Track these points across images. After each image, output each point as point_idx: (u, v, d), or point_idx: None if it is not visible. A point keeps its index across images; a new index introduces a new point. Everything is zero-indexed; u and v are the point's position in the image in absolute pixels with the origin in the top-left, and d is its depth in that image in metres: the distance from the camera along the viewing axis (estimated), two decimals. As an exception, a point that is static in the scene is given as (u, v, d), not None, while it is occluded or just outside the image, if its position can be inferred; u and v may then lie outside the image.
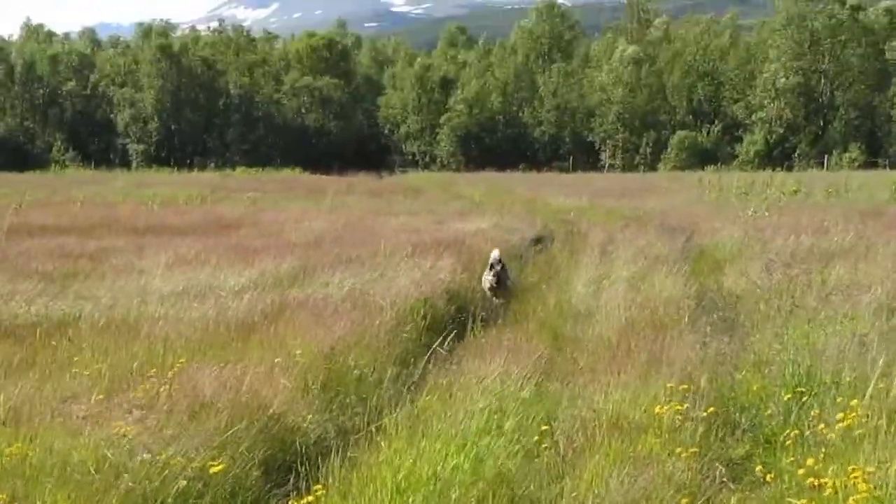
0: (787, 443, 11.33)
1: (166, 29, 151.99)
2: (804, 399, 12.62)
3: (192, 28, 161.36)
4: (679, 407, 11.90)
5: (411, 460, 9.92)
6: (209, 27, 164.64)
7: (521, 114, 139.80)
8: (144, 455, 9.92)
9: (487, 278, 20.31)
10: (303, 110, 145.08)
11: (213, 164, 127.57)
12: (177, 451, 10.26)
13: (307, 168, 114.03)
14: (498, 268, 21.33)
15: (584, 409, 12.42)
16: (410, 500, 8.93)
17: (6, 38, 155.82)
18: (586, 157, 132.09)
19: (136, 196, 63.27)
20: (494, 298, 19.52)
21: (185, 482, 9.85)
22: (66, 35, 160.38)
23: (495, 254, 22.28)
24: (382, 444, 10.97)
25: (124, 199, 59.77)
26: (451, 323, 19.07)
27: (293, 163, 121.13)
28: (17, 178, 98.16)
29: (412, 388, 14.03)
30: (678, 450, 10.69)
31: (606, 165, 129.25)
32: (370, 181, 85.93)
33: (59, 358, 14.42)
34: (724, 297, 21.89)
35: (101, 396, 12.01)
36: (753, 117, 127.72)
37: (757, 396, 13.30)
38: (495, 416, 11.40)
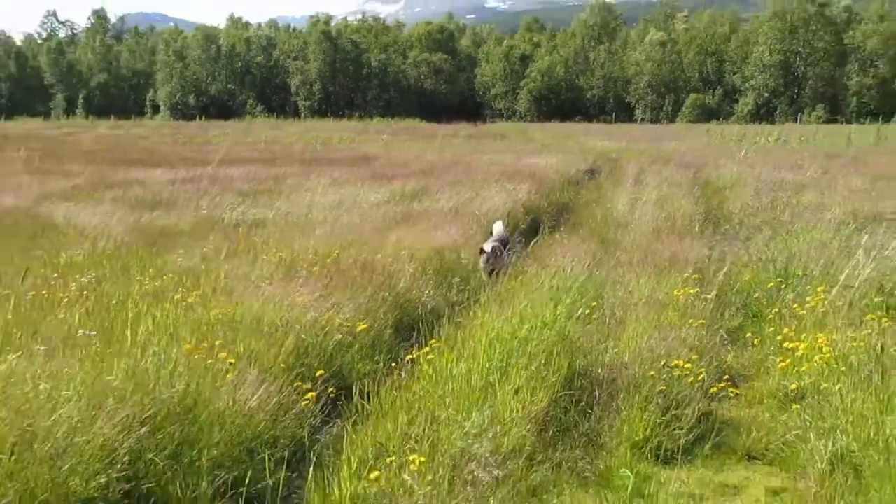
0: (770, 317, 11.33)
1: (327, 19, 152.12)
2: (783, 286, 12.61)
3: (345, 18, 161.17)
4: (692, 291, 11.89)
5: (498, 324, 9.95)
6: (356, 17, 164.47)
7: (577, 81, 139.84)
8: (311, 314, 10.04)
9: (482, 265, 14.36)
10: (421, 77, 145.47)
11: (357, 115, 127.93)
12: (334, 315, 10.35)
13: (424, 119, 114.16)
14: (488, 252, 14.40)
15: (623, 291, 12.43)
16: (497, 350, 8.94)
17: (217, 27, 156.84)
18: (624, 113, 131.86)
19: (303, 137, 63.66)
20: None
21: (339, 336, 9.95)
22: (259, 25, 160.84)
23: (497, 227, 15.98)
24: (478, 313, 10.99)
25: (296, 140, 60.15)
26: (527, 229, 19.02)
27: (414, 115, 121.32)
28: (224, 124, 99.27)
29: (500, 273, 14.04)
30: (691, 321, 10.67)
31: (639, 119, 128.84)
32: (468, 128, 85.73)
33: (253, 249, 14.54)
34: (725, 213, 21.72)
35: (281, 276, 12.14)
36: (746, 85, 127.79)
37: (748, 284, 13.27)
38: (558, 294, 11.40)
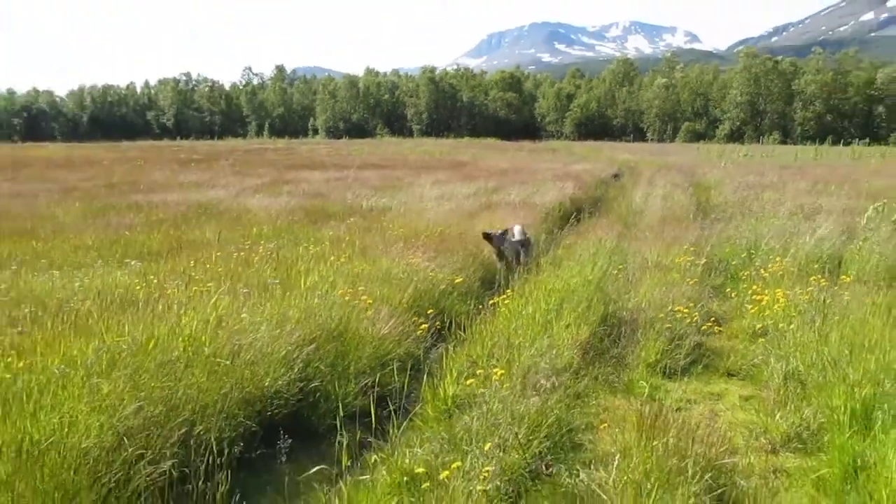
0: (743, 278, 11.22)
1: (432, 69, 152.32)
2: (752, 256, 12.41)
3: (445, 68, 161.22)
4: (689, 258, 11.67)
5: (553, 278, 9.87)
6: (453, 67, 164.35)
7: (606, 112, 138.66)
8: (424, 271, 10.03)
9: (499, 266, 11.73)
10: (497, 109, 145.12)
11: (453, 135, 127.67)
12: (439, 271, 10.34)
13: (499, 138, 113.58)
14: (496, 236, 11.76)
15: (640, 258, 12.22)
16: (554, 297, 8.87)
17: (357, 75, 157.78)
18: (639, 135, 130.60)
19: (415, 151, 63.71)
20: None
21: (443, 286, 9.94)
22: (385, 73, 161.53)
23: (516, 229, 12.70)
24: (539, 272, 10.91)
25: (409, 152, 60.22)
26: (572, 215, 18.84)
27: (492, 135, 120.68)
28: (360, 142, 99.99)
29: (554, 244, 13.89)
30: (688, 279, 10.48)
31: (649, 139, 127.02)
32: (530, 145, 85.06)
33: (382, 226, 14.58)
34: (711, 205, 21.26)
35: (401, 244, 12.14)
36: (724, 116, 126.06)
37: (728, 255, 13.01)
38: (595, 258, 11.27)
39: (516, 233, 12.38)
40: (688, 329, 8.47)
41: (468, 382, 6.40)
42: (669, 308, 8.85)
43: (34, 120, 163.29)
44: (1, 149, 75.09)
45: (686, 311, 8.72)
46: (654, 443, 5.13)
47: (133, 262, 10.95)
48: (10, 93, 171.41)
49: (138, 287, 8.62)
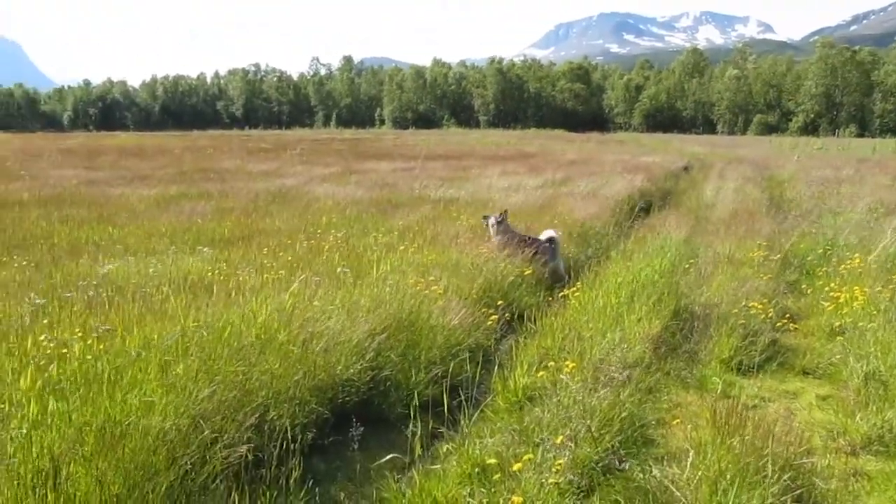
0: (820, 274, 10.88)
1: (500, 60, 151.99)
2: (829, 252, 12.10)
3: (512, 59, 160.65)
4: (763, 253, 11.45)
5: (624, 271, 9.76)
6: (520, 58, 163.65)
7: (675, 104, 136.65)
8: (496, 263, 10.00)
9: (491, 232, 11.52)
10: (565, 100, 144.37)
11: (520, 126, 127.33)
12: (508, 262, 10.30)
13: (566, 129, 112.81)
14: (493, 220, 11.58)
15: (712, 252, 12.01)
16: (624, 290, 8.79)
17: (424, 66, 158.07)
18: (708, 127, 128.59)
19: (482, 142, 63.66)
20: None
21: (511, 278, 9.89)
22: (451, 64, 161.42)
23: (548, 233, 11.66)
24: (609, 264, 10.81)
25: (476, 143, 60.19)
26: (641, 207, 18.61)
27: (559, 126, 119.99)
28: (427, 132, 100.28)
29: (624, 237, 13.76)
30: (761, 275, 10.29)
31: (719, 132, 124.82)
32: (597, 136, 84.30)
33: (450, 217, 14.60)
34: (785, 200, 20.83)
35: (469, 235, 12.13)
36: (798, 108, 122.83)
37: (804, 251, 12.71)
38: (665, 251, 11.13)
39: (544, 236, 11.59)
40: (762, 325, 8.29)
41: (539, 374, 6.37)
42: (743, 303, 8.68)
43: (108, 110, 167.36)
44: (77, 138, 77.13)
45: (760, 306, 8.54)
46: (730, 440, 5.03)
47: (205, 249, 11.15)
48: (87, 83, 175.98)
49: (210, 274, 8.76)
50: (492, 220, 11.63)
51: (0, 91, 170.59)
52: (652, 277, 9.39)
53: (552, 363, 6.51)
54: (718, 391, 6.83)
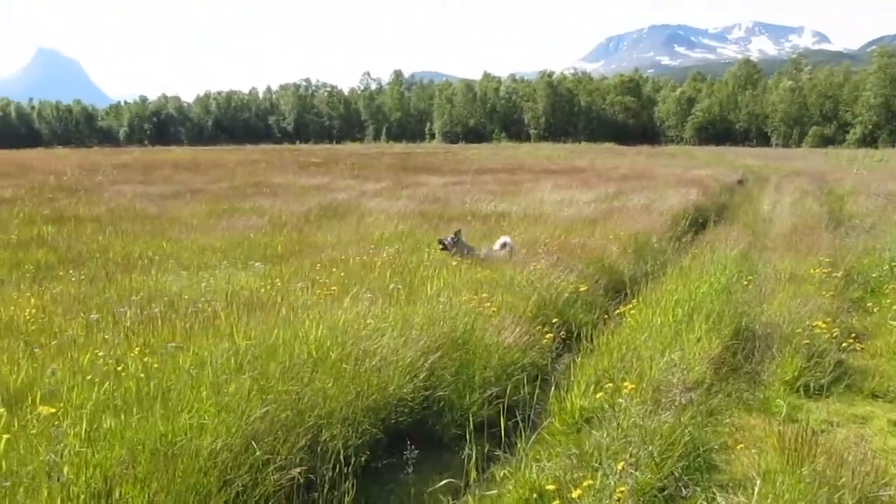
0: (887, 291, 10.51)
1: (550, 73, 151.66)
2: (895, 269, 11.66)
3: (562, 72, 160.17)
4: (824, 270, 11.12)
5: (681, 288, 9.54)
6: (570, 71, 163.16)
7: (728, 116, 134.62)
8: (549, 279, 9.83)
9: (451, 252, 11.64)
10: (615, 113, 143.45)
11: (570, 140, 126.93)
12: (562, 279, 10.12)
13: (617, 142, 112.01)
14: (446, 242, 11.87)
15: (771, 268, 11.72)
16: (681, 308, 8.57)
17: (474, 80, 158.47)
18: (762, 139, 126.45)
19: (532, 155, 63.53)
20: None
21: (566, 295, 9.72)
22: (501, 78, 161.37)
23: (505, 239, 12.22)
24: (666, 281, 10.59)
25: (527, 157, 60.01)
26: (697, 222, 18.29)
27: (610, 139, 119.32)
28: (477, 146, 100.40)
29: (680, 252, 13.50)
30: (824, 292, 9.97)
31: (773, 144, 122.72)
32: (648, 149, 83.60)
33: (504, 232, 14.47)
34: (846, 214, 20.32)
35: (524, 251, 11.99)
36: (855, 120, 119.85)
37: (867, 267, 12.31)
38: (723, 268, 10.85)
39: (497, 245, 12.08)
40: (827, 345, 8.01)
41: (598, 396, 6.19)
42: (806, 322, 8.41)
43: (163, 125, 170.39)
44: (132, 153, 78.53)
45: (824, 325, 8.25)
46: (800, 469, 4.82)
47: (257, 264, 11.16)
48: (142, 99, 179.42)
49: (263, 290, 8.74)
50: (448, 241, 11.87)
51: (60, 108, 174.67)
52: (710, 295, 9.15)
53: (610, 384, 6.34)
54: (783, 414, 6.60)
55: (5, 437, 4.51)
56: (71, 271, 10.94)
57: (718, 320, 8.20)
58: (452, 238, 11.92)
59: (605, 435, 5.55)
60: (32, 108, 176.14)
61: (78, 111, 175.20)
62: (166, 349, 5.81)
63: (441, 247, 11.96)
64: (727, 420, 6.63)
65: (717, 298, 9.04)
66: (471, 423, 5.90)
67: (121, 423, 4.89)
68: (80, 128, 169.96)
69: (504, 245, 12.01)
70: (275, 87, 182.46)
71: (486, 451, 5.66)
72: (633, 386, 6.14)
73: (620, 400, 5.94)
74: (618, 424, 5.60)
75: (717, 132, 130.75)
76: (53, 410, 4.87)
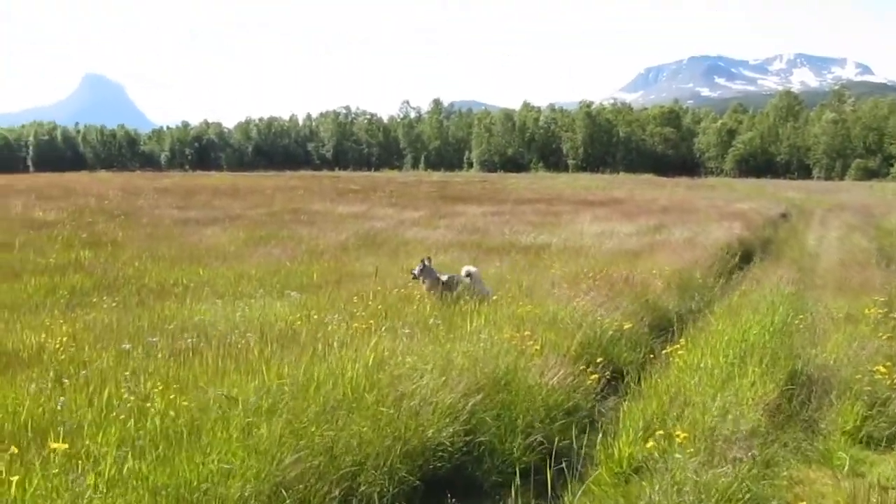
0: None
1: (589, 103, 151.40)
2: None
3: (601, 103, 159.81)
4: (880, 310, 10.62)
5: (731, 328, 9.15)
6: (609, 102, 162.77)
7: (769, 148, 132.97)
8: (593, 316, 9.48)
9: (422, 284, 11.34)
10: (654, 144, 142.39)
11: (609, 170, 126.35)
12: (605, 315, 9.78)
13: (655, 173, 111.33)
14: (415, 272, 11.55)
15: (822, 307, 11.27)
16: (731, 349, 8.19)
17: (513, 109, 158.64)
18: (804, 172, 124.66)
19: (571, 185, 63.13)
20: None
21: (610, 332, 9.36)
22: (540, 108, 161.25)
23: (467, 268, 11.75)
24: (713, 319, 10.19)
25: (565, 187, 59.63)
26: (741, 257, 17.82)
27: (649, 170, 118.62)
28: (515, 175, 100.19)
29: (727, 289, 13.10)
30: (881, 334, 9.49)
31: (815, 177, 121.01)
32: (688, 181, 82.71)
33: (544, 264, 14.16)
34: (896, 250, 19.74)
35: (565, 285, 11.63)
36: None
37: (925, 307, 11.79)
38: (773, 306, 10.43)
39: (462, 271, 11.60)
40: (890, 392, 7.56)
41: (649, 445, 5.82)
42: (866, 367, 7.97)
43: (204, 150, 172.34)
44: (173, 177, 79.38)
45: (885, 370, 7.81)
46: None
47: (293, 294, 10.96)
48: (185, 125, 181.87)
49: (298, 322, 8.50)
50: (416, 271, 11.52)
51: (104, 132, 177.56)
52: (762, 336, 8.74)
53: (660, 431, 5.98)
54: (845, 468, 6.20)
55: (15, 478, 4.28)
56: (105, 297, 10.80)
57: (772, 363, 7.80)
58: (420, 267, 11.51)
59: (656, 488, 5.20)
60: (78, 132, 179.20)
61: (121, 135, 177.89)
62: (211, 393, 5.51)
63: (412, 276, 11.57)
64: (785, 473, 6.23)
65: (770, 340, 8.62)
66: (510, 469, 5.59)
67: (145, 466, 4.65)
68: (122, 152, 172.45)
69: (468, 274, 11.47)
70: (315, 114, 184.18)
71: (529, 500, 5.32)
72: (686, 435, 5.78)
73: (672, 449, 5.59)
74: (672, 477, 5.24)
75: (758, 164, 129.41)
76: (72, 450, 4.66)
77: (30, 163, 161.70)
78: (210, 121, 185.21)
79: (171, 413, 5.28)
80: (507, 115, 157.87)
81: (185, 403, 5.38)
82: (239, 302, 10.45)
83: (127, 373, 6.18)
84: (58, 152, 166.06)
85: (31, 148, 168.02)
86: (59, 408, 5.45)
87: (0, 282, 12.31)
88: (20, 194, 36.76)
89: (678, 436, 5.71)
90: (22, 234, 19.57)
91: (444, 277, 11.37)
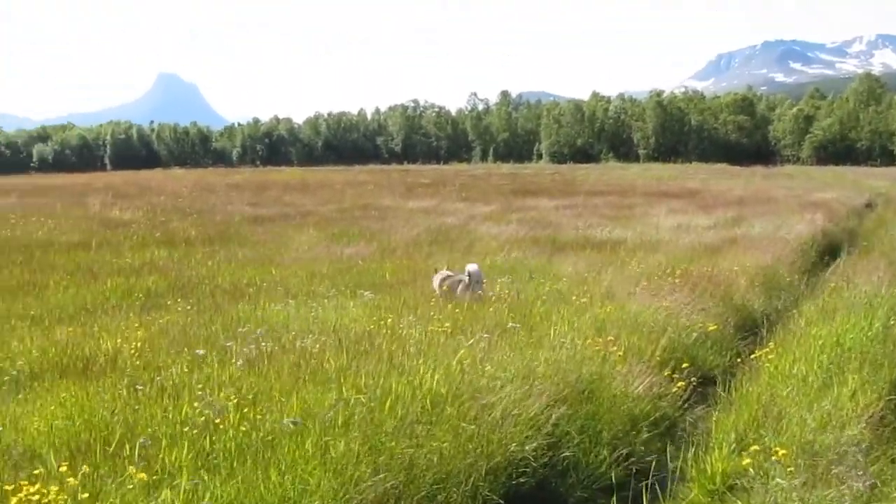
0: None
1: (660, 92, 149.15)
2: None
3: (672, 92, 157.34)
4: None
5: (824, 332, 8.69)
6: (681, 90, 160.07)
7: (849, 134, 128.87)
8: (678, 318, 9.13)
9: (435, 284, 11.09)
10: (728, 132, 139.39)
11: (681, 160, 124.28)
12: (688, 316, 9.42)
13: (729, 162, 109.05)
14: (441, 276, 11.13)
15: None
16: (826, 354, 7.75)
17: (582, 100, 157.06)
18: (887, 158, 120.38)
19: (642, 176, 62.21)
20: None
21: (695, 334, 9.01)
22: (610, 98, 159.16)
23: (471, 267, 10.99)
24: (801, 321, 9.71)
25: (636, 178, 58.74)
26: (827, 251, 17.15)
27: (722, 160, 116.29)
28: (585, 167, 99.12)
29: (815, 287, 12.56)
30: None
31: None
32: (763, 170, 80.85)
33: (620, 260, 13.79)
34: None
35: (645, 283, 11.28)
36: None
37: None
38: (869, 307, 9.90)
39: (468, 269, 10.93)
40: None
41: (745, 462, 5.46)
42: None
43: (274, 145, 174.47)
44: (244, 173, 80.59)
45: None
46: None
47: (366, 293, 10.81)
48: (256, 121, 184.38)
49: (372, 326, 8.32)
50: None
51: (177, 130, 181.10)
52: (860, 340, 8.26)
53: (755, 447, 5.64)
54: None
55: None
56: (179, 300, 10.81)
57: (873, 371, 7.34)
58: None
59: (755, 511, 4.88)
60: (152, 130, 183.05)
61: (194, 133, 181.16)
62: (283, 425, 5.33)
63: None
64: (894, 494, 5.82)
65: (870, 345, 8.13)
66: (596, 484, 5.33)
67: (219, 482, 4.52)
68: (195, 149, 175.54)
69: (468, 273, 10.86)
70: (383, 108, 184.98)
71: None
72: (785, 451, 5.43)
73: (769, 465, 5.26)
74: (774, 500, 4.91)
75: (837, 151, 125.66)
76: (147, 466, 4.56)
77: (107, 161, 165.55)
78: (280, 117, 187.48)
79: (245, 427, 5.14)
80: (577, 105, 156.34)
81: (260, 417, 5.24)
82: (312, 302, 10.35)
83: (200, 386, 6.06)
84: (133, 150, 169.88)
85: (108, 147, 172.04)
86: (132, 424, 5.35)
87: (79, 283, 12.44)
88: (98, 192, 37.52)
89: (776, 452, 5.38)
90: (99, 233, 19.90)
91: (457, 277, 11.05)
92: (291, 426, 5.03)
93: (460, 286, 10.76)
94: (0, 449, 5.14)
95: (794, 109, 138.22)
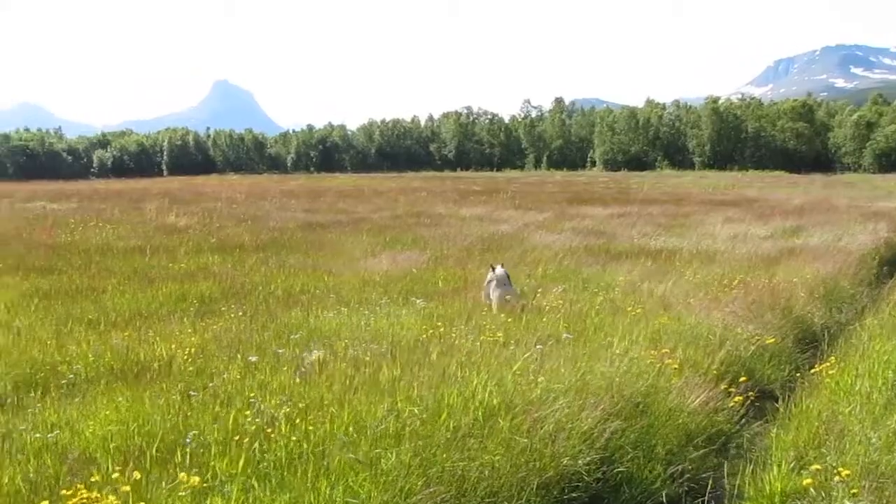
0: None
1: (716, 99, 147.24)
2: None
3: (728, 98, 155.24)
4: None
5: (889, 347, 8.43)
6: (737, 97, 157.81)
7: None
8: (737, 330, 8.97)
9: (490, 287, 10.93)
10: (786, 139, 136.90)
11: (737, 167, 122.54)
12: (745, 328, 9.24)
13: (786, 170, 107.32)
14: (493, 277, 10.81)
15: None
16: (892, 372, 7.53)
17: (637, 107, 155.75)
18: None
19: (697, 184, 61.52)
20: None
21: (752, 347, 8.83)
22: (665, 104, 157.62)
23: (499, 270, 10.86)
24: (864, 335, 9.46)
25: (691, 186, 58.11)
26: (890, 263, 16.73)
27: (779, 167, 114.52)
28: (640, 174, 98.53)
29: (878, 299, 12.24)
30: None
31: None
32: (822, 178, 79.13)
33: (676, 270, 13.60)
34: None
35: (701, 294, 11.11)
36: None
37: None
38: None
39: (499, 271, 10.82)
40: None
41: (806, 483, 5.32)
42: None
43: (328, 152, 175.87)
44: (298, 179, 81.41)
45: None
46: None
47: (418, 301, 10.80)
48: (309, 128, 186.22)
49: (425, 335, 8.30)
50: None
51: (233, 136, 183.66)
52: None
53: (815, 466, 5.49)
54: None
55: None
56: (233, 306, 10.90)
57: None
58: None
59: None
60: (208, 136, 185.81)
61: (249, 139, 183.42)
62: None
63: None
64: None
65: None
66: (650, 500, 5.23)
67: (269, 492, 4.53)
68: (250, 155, 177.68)
69: (498, 275, 10.76)
70: (436, 115, 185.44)
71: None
72: (849, 472, 5.28)
73: (831, 486, 5.11)
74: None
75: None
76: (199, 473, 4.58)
77: (164, 167, 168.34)
78: (334, 123, 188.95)
79: (295, 438, 5.15)
80: (631, 112, 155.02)
81: (311, 428, 5.24)
82: (364, 310, 10.37)
83: (253, 394, 6.09)
84: (189, 156, 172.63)
85: (165, 153, 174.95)
86: (184, 431, 5.39)
87: (135, 288, 12.63)
88: (154, 198, 38.18)
89: (839, 472, 5.23)
90: (155, 238, 20.22)
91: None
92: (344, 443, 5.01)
93: (491, 286, 10.75)
94: (56, 452, 5.23)
95: (855, 116, 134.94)
